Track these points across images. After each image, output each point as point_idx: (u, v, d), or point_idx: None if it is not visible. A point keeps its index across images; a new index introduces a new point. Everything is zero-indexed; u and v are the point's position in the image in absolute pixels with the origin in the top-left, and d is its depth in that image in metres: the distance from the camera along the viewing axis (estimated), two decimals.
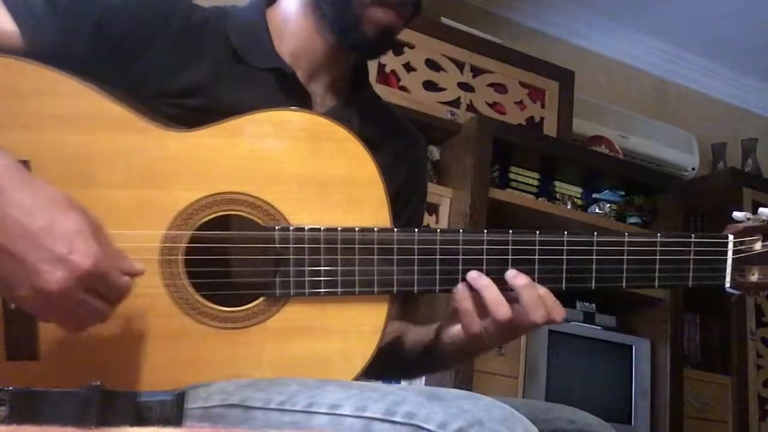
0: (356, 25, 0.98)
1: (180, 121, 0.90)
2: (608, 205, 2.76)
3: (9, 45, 0.89)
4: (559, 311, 0.93)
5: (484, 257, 0.90)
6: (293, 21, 1.03)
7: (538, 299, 0.90)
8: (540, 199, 2.62)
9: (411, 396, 0.73)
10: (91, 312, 0.76)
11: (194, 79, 0.95)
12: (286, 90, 1.00)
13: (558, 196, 2.69)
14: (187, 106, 0.94)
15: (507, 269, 0.90)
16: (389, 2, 0.97)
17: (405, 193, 1.12)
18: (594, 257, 0.91)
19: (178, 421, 0.64)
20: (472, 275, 0.89)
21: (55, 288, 0.72)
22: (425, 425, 0.69)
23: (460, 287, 0.90)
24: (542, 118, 2.73)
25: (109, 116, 0.87)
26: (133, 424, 0.62)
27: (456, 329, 0.95)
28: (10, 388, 0.61)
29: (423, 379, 2.23)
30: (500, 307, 0.88)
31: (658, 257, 0.91)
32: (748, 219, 0.92)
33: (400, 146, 1.12)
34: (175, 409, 0.66)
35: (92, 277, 0.74)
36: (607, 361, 2.57)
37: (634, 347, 2.57)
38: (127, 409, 0.63)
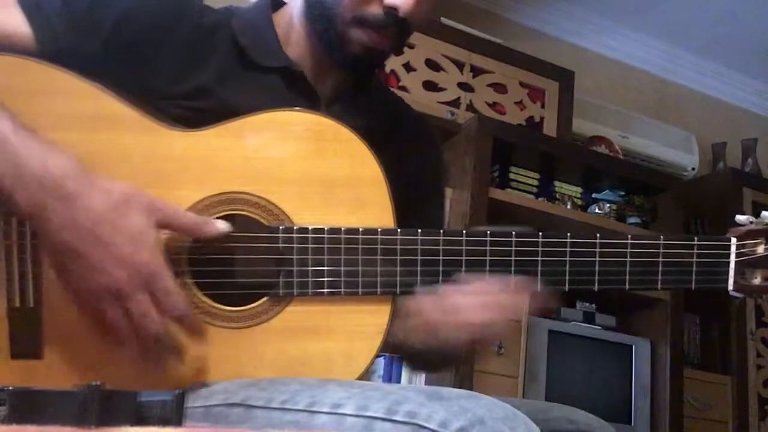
0: (340, 44, 0.97)
1: (186, 122, 0.91)
2: (608, 205, 2.76)
3: (22, 46, 0.89)
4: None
5: (487, 258, 0.90)
6: (296, 28, 1.03)
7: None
8: (540, 199, 2.62)
9: (412, 395, 0.73)
10: (145, 316, 0.79)
11: (202, 80, 0.95)
12: (294, 89, 1.00)
13: (558, 196, 2.70)
14: (194, 107, 0.94)
15: (510, 270, 0.90)
16: (369, 23, 0.96)
17: (419, 188, 1.11)
18: (597, 259, 0.91)
19: (178, 421, 0.64)
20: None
21: (119, 285, 0.77)
22: (426, 424, 0.69)
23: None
24: (542, 118, 2.73)
25: (115, 116, 0.87)
26: (133, 424, 0.62)
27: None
28: (10, 387, 0.61)
29: (423, 377, 2.23)
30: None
31: (661, 259, 0.91)
32: (751, 222, 0.93)
33: (410, 140, 1.12)
34: (175, 408, 0.66)
35: (152, 276, 0.78)
36: (607, 361, 2.57)
37: (634, 347, 2.57)
38: (127, 409, 0.63)
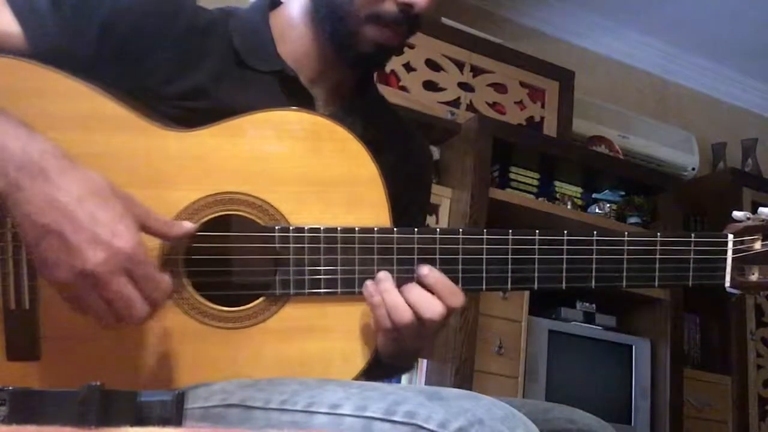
0: (352, 42, 0.97)
1: (181, 122, 0.90)
2: (608, 205, 2.76)
3: (12, 46, 0.89)
4: (455, 295, 0.89)
5: (484, 257, 0.90)
6: (295, 27, 1.02)
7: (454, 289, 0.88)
8: (540, 199, 2.62)
9: (411, 395, 0.73)
10: (127, 302, 0.77)
11: (196, 81, 0.95)
12: (288, 92, 1.00)
13: (558, 196, 2.70)
14: (190, 107, 0.93)
15: (507, 268, 0.90)
16: (383, 20, 0.95)
17: (405, 198, 1.11)
18: (594, 257, 0.91)
19: (178, 421, 0.64)
20: (380, 276, 0.88)
21: (95, 268, 0.74)
22: (426, 425, 0.69)
23: (370, 284, 0.88)
24: (542, 118, 2.73)
25: (110, 116, 0.87)
26: (133, 424, 0.62)
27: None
28: (10, 388, 0.61)
29: (423, 377, 2.23)
30: (398, 311, 0.87)
31: (658, 257, 0.91)
32: (748, 218, 0.92)
33: (403, 149, 1.12)
34: (175, 409, 0.66)
35: (132, 261, 0.76)
36: (607, 361, 2.57)
37: (634, 347, 2.57)
38: (127, 409, 0.63)
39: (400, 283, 0.88)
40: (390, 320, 0.87)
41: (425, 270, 0.88)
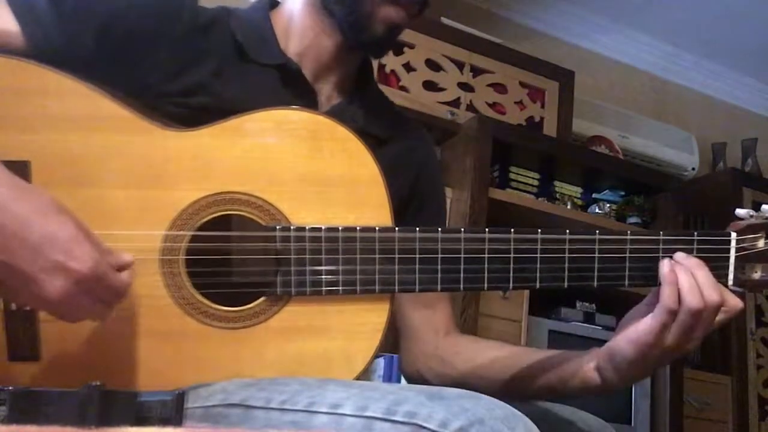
0: (367, 23, 0.98)
1: (182, 120, 0.90)
2: (608, 205, 2.76)
3: (11, 45, 0.89)
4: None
5: (486, 256, 0.89)
6: (298, 22, 1.03)
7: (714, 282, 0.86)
8: (540, 199, 2.62)
9: (412, 395, 0.73)
10: (91, 313, 0.77)
11: (197, 78, 0.95)
12: (291, 87, 1.00)
13: (558, 196, 2.70)
14: (191, 104, 0.94)
15: (509, 267, 0.90)
16: (401, 1, 0.97)
17: (420, 190, 1.11)
18: (596, 256, 0.91)
19: (178, 421, 0.64)
20: (679, 256, 0.87)
21: (56, 296, 0.73)
22: (426, 424, 0.69)
23: (666, 261, 0.87)
24: (542, 118, 2.73)
25: (110, 116, 0.87)
26: (133, 424, 0.62)
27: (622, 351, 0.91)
28: (10, 388, 0.61)
29: None
30: (694, 296, 0.84)
31: (661, 255, 0.91)
32: (751, 216, 0.92)
33: (405, 145, 1.12)
34: (175, 408, 0.66)
35: (91, 280, 0.74)
36: None
37: None
38: (127, 409, 0.63)
39: (398, 281, 0.88)
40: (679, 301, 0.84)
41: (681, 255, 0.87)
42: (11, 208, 0.72)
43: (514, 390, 0.99)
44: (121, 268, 0.79)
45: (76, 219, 0.76)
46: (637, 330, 0.88)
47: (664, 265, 0.87)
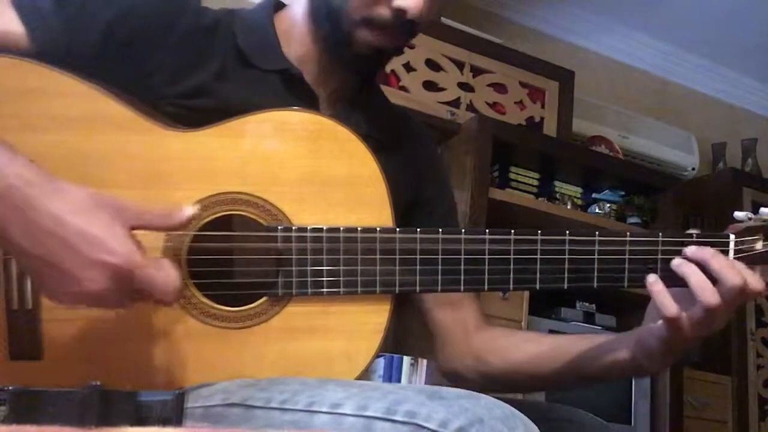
0: (347, 43, 0.97)
1: (185, 121, 0.90)
2: (608, 205, 2.76)
3: (16, 46, 0.89)
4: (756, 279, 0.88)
5: (486, 257, 0.90)
6: (298, 28, 1.03)
7: (730, 265, 0.87)
8: (540, 199, 2.62)
9: (412, 395, 0.73)
10: (130, 306, 0.78)
11: (200, 80, 0.95)
12: (293, 91, 1.00)
13: (558, 196, 2.70)
14: (192, 106, 0.94)
15: (509, 268, 0.90)
16: (377, 25, 0.95)
17: (428, 195, 1.12)
18: (596, 257, 0.91)
19: (178, 421, 0.64)
20: (691, 251, 0.88)
21: (94, 291, 0.74)
22: (426, 424, 0.69)
23: (651, 276, 0.89)
24: (542, 118, 2.73)
25: (112, 116, 0.87)
26: (133, 424, 0.62)
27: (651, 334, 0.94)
28: (10, 387, 0.61)
29: (423, 377, 2.23)
30: (706, 291, 0.86)
31: (660, 257, 0.91)
32: (750, 219, 0.92)
33: (411, 146, 1.12)
34: (175, 408, 0.66)
35: (128, 273, 0.74)
36: None
37: None
38: (127, 409, 0.63)
39: (399, 282, 0.89)
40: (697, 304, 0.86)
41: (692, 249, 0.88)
42: (47, 208, 0.73)
43: (554, 383, 1.07)
44: (171, 225, 0.80)
45: (115, 209, 0.76)
46: (660, 327, 0.92)
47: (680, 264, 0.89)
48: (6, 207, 0.72)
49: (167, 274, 0.76)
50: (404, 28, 0.97)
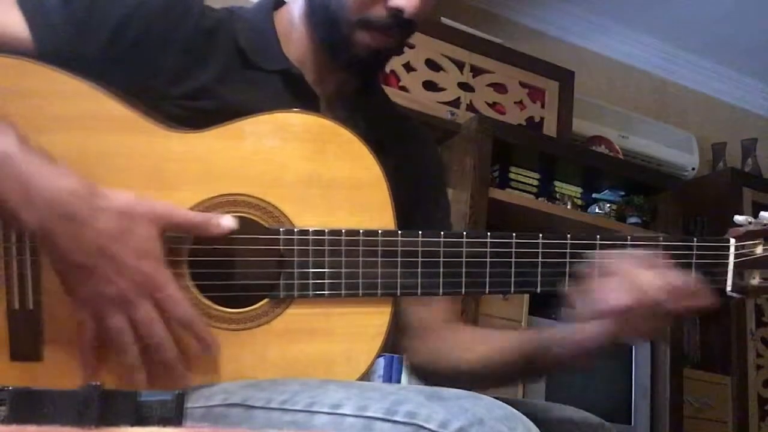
0: (345, 47, 0.97)
1: (187, 122, 0.90)
2: (608, 205, 2.76)
3: (20, 47, 0.89)
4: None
5: (488, 260, 0.90)
6: (297, 28, 1.03)
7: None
8: (540, 199, 2.62)
9: (412, 395, 0.73)
10: (149, 326, 0.80)
11: (202, 81, 0.95)
12: (294, 91, 1.00)
13: (558, 196, 2.70)
14: (194, 107, 0.94)
15: (510, 271, 0.90)
16: (375, 26, 0.95)
17: (425, 198, 1.12)
18: (597, 260, 0.91)
19: (178, 421, 0.64)
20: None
21: (119, 292, 0.78)
22: (426, 425, 0.69)
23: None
24: (542, 118, 2.73)
25: (114, 117, 0.87)
26: (133, 424, 0.62)
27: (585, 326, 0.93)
28: (10, 387, 0.61)
29: None
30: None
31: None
32: (750, 223, 0.93)
33: (410, 150, 1.12)
34: (175, 408, 0.66)
35: (156, 286, 0.80)
36: (607, 361, 2.56)
37: (634, 347, 2.57)
38: (127, 409, 0.63)
39: (401, 285, 0.89)
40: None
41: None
42: (92, 223, 0.78)
43: (510, 380, 1.08)
44: (215, 231, 0.84)
45: (151, 218, 0.81)
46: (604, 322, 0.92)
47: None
48: (53, 216, 0.77)
49: (186, 300, 0.82)
50: (401, 27, 0.97)
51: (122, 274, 0.78)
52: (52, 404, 0.62)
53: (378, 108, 1.10)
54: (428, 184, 1.14)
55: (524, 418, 0.73)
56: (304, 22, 1.01)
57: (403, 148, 1.10)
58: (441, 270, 0.89)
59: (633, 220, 2.75)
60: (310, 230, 0.88)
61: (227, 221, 0.84)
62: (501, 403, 0.73)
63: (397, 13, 0.95)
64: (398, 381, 2.18)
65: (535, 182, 2.64)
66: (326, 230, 0.88)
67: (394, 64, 2.49)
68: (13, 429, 0.56)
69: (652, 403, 2.55)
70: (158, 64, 0.94)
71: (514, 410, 0.73)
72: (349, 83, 1.06)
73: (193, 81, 0.95)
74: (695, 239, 0.91)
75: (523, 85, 2.72)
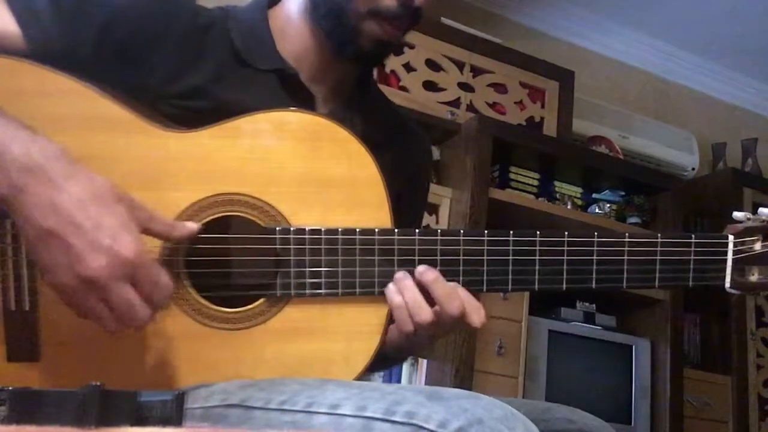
0: (352, 38, 0.97)
1: (182, 122, 0.90)
2: (608, 205, 2.76)
3: (11, 47, 0.89)
4: (477, 311, 0.90)
5: (485, 258, 0.90)
6: (294, 25, 1.03)
7: (452, 295, 0.88)
8: (540, 199, 2.62)
9: (411, 395, 0.73)
10: (130, 307, 0.76)
11: (197, 80, 0.95)
12: (289, 91, 1.00)
13: (558, 196, 2.70)
14: (189, 107, 0.94)
15: (508, 270, 0.90)
16: (384, 16, 0.96)
17: (407, 198, 1.12)
18: (594, 257, 0.91)
19: (178, 421, 0.64)
20: (397, 276, 0.89)
21: (96, 274, 0.74)
22: (425, 425, 0.69)
23: (391, 285, 0.89)
24: (542, 118, 2.73)
25: (109, 117, 0.87)
26: (133, 424, 0.62)
27: (392, 327, 0.94)
28: (10, 388, 0.61)
29: (423, 377, 2.23)
30: (421, 311, 0.88)
31: (658, 257, 0.91)
32: (748, 219, 0.93)
33: (404, 148, 1.12)
34: (175, 408, 0.66)
35: (134, 267, 0.75)
36: (607, 361, 2.57)
37: (634, 347, 2.57)
38: (127, 409, 0.63)
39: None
40: (412, 321, 0.88)
41: (421, 268, 0.88)
42: (69, 188, 0.74)
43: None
44: (180, 235, 0.83)
45: (132, 207, 0.78)
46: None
47: (389, 290, 0.89)
48: (27, 180, 0.74)
49: (167, 282, 0.79)
50: (410, 17, 0.98)
51: (97, 251, 0.74)
52: (52, 404, 0.62)
53: (374, 105, 1.10)
54: (417, 183, 1.14)
55: (524, 418, 0.73)
56: (304, 18, 1.01)
57: (398, 148, 1.10)
58: (438, 268, 0.89)
59: (633, 220, 2.75)
60: (307, 229, 0.88)
61: (192, 224, 0.84)
62: (501, 403, 0.73)
63: (407, 2, 0.95)
64: (398, 381, 2.19)
65: (535, 182, 2.64)
66: (323, 229, 0.88)
67: (394, 64, 2.50)
68: (13, 429, 0.56)
69: (652, 403, 2.55)
70: (151, 63, 0.94)
71: (514, 410, 0.73)
72: (347, 80, 1.06)
73: (187, 80, 0.95)
74: (693, 236, 0.91)
75: (523, 85, 2.72)
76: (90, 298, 0.76)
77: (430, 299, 0.88)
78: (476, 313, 0.90)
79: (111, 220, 0.75)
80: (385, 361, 1.03)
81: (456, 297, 0.88)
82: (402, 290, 0.88)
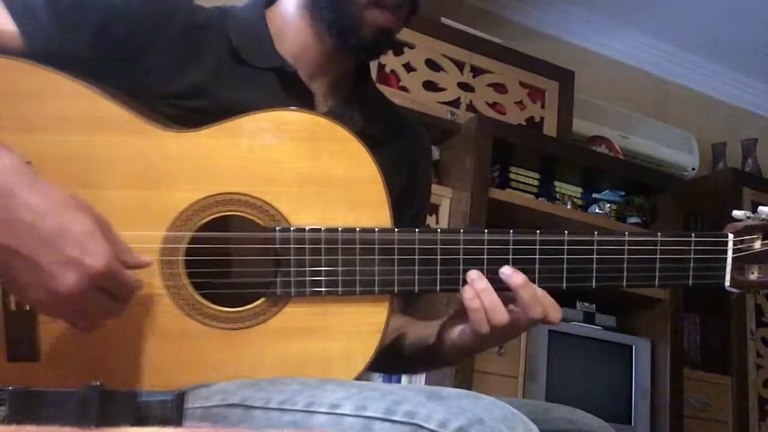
0: (354, 28, 0.98)
1: (180, 121, 0.90)
2: (608, 205, 2.76)
3: (9, 46, 0.89)
4: (556, 309, 0.91)
5: (485, 257, 0.90)
6: (292, 22, 1.03)
7: (535, 298, 0.89)
8: (540, 199, 2.62)
9: (411, 395, 0.73)
10: (103, 310, 0.77)
11: (195, 80, 0.95)
12: (288, 89, 1.00)
13: (558, 196, 2.70)
14: (188, 106, 0.94)
15: None
16: (386, 3, 0.97)
17: (407, 194, 1.12)
18: (594, 257, 0.91)
19: (178, 421, 0.64)
20: (472, 276, 0.89)
21: (68, 290, 0.73)
22: (425, 424, 0.69)
23: (468, 288, 0.89)
24: (542, 118, 2.73)
25: (109, 117, 0.87)
26: (133, 424, 0.62)
27: (458, 329, 0.95)
28: (10, 388, 0.61)
29: (423, 377, 2.23)
30: (497, 313, 0.88)
31: (658, 256, 0.91)
32: (748, 218, 0.92)
33: (404, 144, 1.13)
34: (175, 408, 0.66)
35: (104, 277, 0.75)
36: (607, 361, 2.57)
37: (634, 347, 2.57)
38: (127, 409, 0.63)
39: (398, 282, 0.89)
40: (489, 324, 0.88)
41: (508, 271, 0.89)
42: (28, 200, 0.72)
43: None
44: (134, 266, 0.80)
45: (97, 216, 0.76)
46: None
47: (466, 292, 0.89)
48: None
49: (133, 279, 0.79)
50: (410, 5, 0.99)
51: (65, 265, 0.72)
52: (52, 404, 0.62)
53: (372, 104, 1.10)
54: (416, 179, 1.14)
55: (524, 418, 0.72)
56: (302, 14, 1.02)
57: (398, 144, 1.10)
58: (438, 267, 0.89)
59: (633, 220, 2.75)
60: (307, 228, 0.88)
61: (144, 260, 0.81)
62: (501, 403, 0.73)
63: None
64: (398, 381, 2.18)
65: (535, 182, 2.64)
66: (322, 228, 0.88)
67: (394, 64, 2.50)
68: (13, 429, 0.56)
69: (652, 403, 2.55)
70: (149, 61, 0.94)
71: (514, 410, 0.73)
72: (346, 76, 1.06)
73: (186, 79, 0.95)
74: (693, 234, 0.91)
75: (523, 85, 2.72)
76: (64, 308, 0.76)
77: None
78: (556, 311, 0.90)
79: (76, 228, 0.73)
80: (437, 361, 1.03)
81: (538, 301, 0.89)
82: (479, 293, 0.88)
